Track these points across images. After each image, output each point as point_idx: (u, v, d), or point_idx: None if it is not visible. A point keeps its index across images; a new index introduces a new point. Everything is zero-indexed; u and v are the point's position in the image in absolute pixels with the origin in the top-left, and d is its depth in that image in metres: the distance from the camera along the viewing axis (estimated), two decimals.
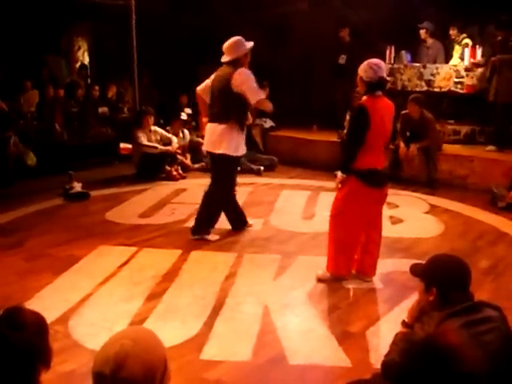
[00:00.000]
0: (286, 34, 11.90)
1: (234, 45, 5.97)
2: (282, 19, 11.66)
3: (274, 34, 11.94)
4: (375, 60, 4.83)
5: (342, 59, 10.63)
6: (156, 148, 9.14)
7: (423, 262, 2.78)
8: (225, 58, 6.01)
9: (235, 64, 5.93)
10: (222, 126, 5.92)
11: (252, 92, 5.83)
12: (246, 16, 11.52)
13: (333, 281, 5.08)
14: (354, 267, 5.17)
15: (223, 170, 6.12)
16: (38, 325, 1.84)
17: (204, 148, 6.35)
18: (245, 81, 5.83)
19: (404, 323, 2.88)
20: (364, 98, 4.82)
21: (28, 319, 1.81)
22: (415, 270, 2.80)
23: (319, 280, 5.13)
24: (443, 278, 2.61)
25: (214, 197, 6.19)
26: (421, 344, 2.37)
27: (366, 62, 4.80)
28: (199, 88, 6.35)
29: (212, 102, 6.10)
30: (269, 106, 6.05)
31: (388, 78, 10.16)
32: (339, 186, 4.96)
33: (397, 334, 2.85)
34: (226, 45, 6.01)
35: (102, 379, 1.67)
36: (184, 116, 10.19)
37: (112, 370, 1.64)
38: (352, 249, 5.08)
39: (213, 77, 6.17)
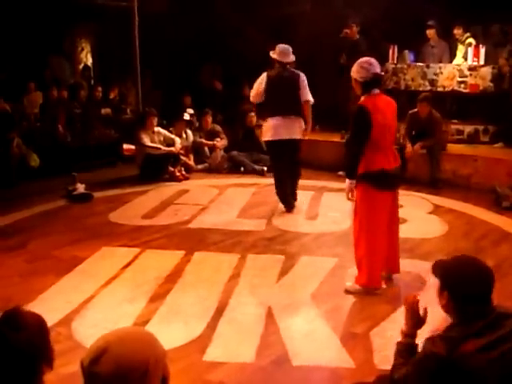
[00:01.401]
0: (288, 34, 11.87)
1: (289, 50, 7.28)
2: (285, 20, 11.64)
3: (277, 35, 11.92)
4: (365, 58, 4.79)
5: (343, 59, 10.58)
6: (159, 149, 9.13)
7: (446, 258, 2.57)
8: (287, 60, 7.25)
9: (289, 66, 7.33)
10: (298, 118, 7.19)
11: (308, 92, 7.22)
12: (248, 17, 11.52)
13: (363, 293, 4.86)
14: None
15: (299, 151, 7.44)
16: (38, 325, 1.84)
17: (281, 137, 7.15)
18: (305, 81, 7.25)
19: (403, 332, 2.73)
20: (362, 98, 4.73)
21: (28, 320, 1.80)
22: (434, 267, 2.54)
23: (348, 292, 4.91)
24: (457, 284, 2.37)
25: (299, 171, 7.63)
26: (437, 369, 2.21)
27: (356, 63, 4.77)
28: (255, 96, 7.36)
29: (279, 98, 7.14)
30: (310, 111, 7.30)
31: (386, 76, 10.30)
32: (350, 196, 4.80)
33: (398, 343, 2.71)
34: (284, 49, 7.24)
35: (82, 370, 1.67)
36: (187, 117, 10.18)
37: (89, 362, 1.64)
38: (382, 258, 4.91)
39: (270, 77, 7.21)
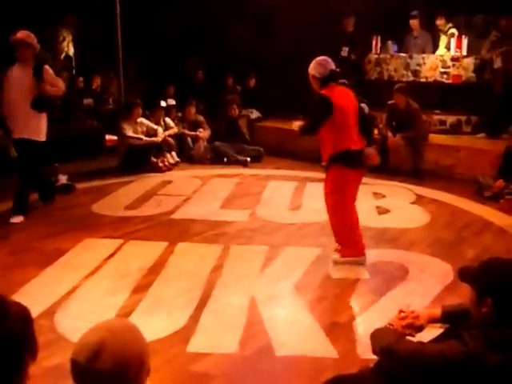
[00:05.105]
0: (272, 23, 11.84)
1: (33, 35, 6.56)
2: (269, 8, 11.60)
3: (261, 24, 11.89)
4: (322, 57, 5.24)
5: (344, 51, 10.51)
6: (141, 139, 9.08)
7: (474, 264, 2.41)
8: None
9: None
10: None
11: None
12: (232, 6, 11.45)
13: (352, 263, 5.24)
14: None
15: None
16: (22, 314, 1.82)
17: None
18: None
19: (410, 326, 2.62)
20: (322, 91, 5.13)
21: (11, 309, 1.78)
22: (465, 275, 2.39)
23: (336, 263, 5.28)
24: (501, 287, 2.22)
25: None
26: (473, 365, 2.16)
27: (313, 61, 5.21)
28: None
29: None
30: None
31: (369, 66, 10.36)
32: (296, 125, 5.45)
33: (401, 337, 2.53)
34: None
35: (76, 367, 1.67)
36: (163, 103, 10.09)
37: (86, 359, 1.64)
38: (359, 228, 5.35)
39: None
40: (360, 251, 5.31)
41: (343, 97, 5.18)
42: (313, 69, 5.19)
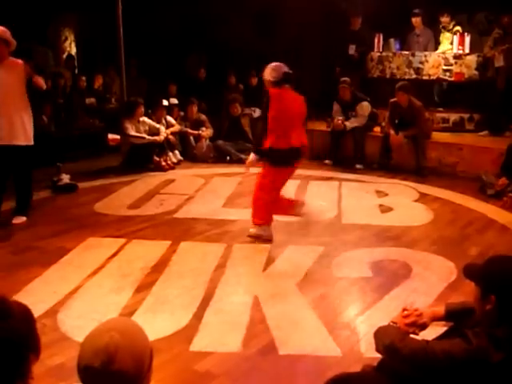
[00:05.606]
0: (275, 21, 11.83)
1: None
2: (271, 7, 11.58)
3: (263, 22, 11.87)
4: (274, 63, 5.51)
5: (352, 49, 10.50)
6: (143, 138, 9.07)
7: (479, 262, 2.42)
8: None
9: None
10: None
11: None
12: (234, 3, 11.44)
13: (261, 233, 5.74)
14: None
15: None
16: (24, 313, 1.82)
17: None
18: None
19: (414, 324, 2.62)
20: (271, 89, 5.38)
21: (13, 308, 1.79)
22: (469, 272, 2.41)
23: (250, 236, 5.77)
24: (505, 284, 2.24)
25: None
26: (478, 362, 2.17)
27: (267, 68, 5.45)
28: None
29: None
30: None
31: (372, 64, 10.35)
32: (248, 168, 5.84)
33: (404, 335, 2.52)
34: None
35: (91, 372, 1.65)
36: (165, 102, 10.10)
37: (103, 362, 1.63)
38: (271, 206, 5.75)
39: None
40: (268, 221, 5.75)
41: (289, 99, 5.37)
42: (267, 75, 5.40)
